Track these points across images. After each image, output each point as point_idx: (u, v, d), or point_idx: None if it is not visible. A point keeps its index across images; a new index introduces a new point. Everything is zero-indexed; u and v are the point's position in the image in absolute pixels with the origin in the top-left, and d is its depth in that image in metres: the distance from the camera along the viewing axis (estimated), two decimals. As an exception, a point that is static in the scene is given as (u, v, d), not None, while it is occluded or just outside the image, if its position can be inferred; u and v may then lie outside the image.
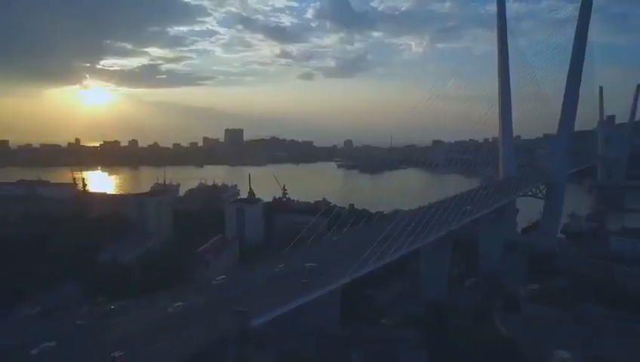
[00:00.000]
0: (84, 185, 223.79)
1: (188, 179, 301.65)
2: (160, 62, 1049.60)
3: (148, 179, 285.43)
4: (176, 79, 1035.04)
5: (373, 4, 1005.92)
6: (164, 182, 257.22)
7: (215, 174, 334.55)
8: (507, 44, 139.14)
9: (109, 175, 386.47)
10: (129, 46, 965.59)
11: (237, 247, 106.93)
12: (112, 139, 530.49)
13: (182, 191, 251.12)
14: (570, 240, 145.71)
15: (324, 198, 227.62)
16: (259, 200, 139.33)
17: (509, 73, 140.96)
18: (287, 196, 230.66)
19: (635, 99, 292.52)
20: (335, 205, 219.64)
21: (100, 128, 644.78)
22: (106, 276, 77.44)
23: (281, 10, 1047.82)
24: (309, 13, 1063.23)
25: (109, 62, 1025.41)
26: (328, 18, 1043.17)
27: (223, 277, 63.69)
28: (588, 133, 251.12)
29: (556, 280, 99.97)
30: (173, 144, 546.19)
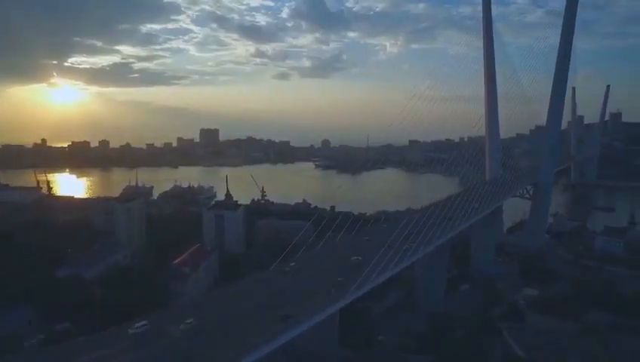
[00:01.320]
0: (50, 188, 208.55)
1: (162, 180, 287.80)
2: (132, 60, 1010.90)
3: (119, 181, 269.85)
4: (149, 78, 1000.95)
5: (349, 5, 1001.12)
6: (137, 184, 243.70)
7: (190, 175, 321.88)
8: (493, 45, 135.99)
9: (78, 177, 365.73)
10: (99, 43, 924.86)
11: (216, 259, 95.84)
12: (82, 140, 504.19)
13: (156, 194, 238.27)
14: (555, 240, 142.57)
15: (304, 200, 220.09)
16: (239, 205, 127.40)
17: (495, 74, 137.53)
18: (266, 198, 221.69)
19: (605, 101, 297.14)
20: (316, 206, 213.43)
21: (68, 128, 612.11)
22: (66, 296, 65.72)
23: (256, 10, 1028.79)
24: (285, 13, 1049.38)
25: (77, 60, 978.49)
26: (304, 18, 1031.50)
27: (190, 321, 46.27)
28: (563, 132, 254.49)
29: (555, 285, 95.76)
30: (147, 145, 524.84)
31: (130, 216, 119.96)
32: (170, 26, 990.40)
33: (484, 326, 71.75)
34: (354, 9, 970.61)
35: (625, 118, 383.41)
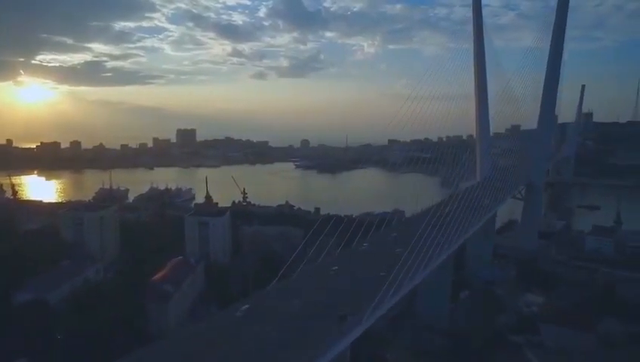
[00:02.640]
0: (15, 192, 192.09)
1: (138, 182, 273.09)
2: (105, 59, 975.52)
3: (92, 183, 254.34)
4: (122, 77, 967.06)
5: (326, 5, 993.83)
6: (111, 186, 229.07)
7: (167, 177, 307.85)
8: (484, 44, 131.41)
9: (47, 179, 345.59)
10: (69, 41, 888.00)
11: (202, 272, 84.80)
12: (51, 140, 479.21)
13: (131, 197, 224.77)
14: (545, 241, 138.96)
15: (287, 202, 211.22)
16: (224, 210, 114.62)
17: (485, 73, 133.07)
18: (247, 200, 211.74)
19: (581, 101, 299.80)
20: (300, 208, 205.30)
21: (37, 128, 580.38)
22: (25, 324, 55.12)
23: (232, 8, 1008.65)
24: (262, 12, 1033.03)
25: (46, 58, 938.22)
26: (281, 17, 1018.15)
27: None
28: (534, 131, 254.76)
29: (556, 290, 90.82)
30: (121, 145, 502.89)
31: (103, 225, 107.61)
32: (144, 24, 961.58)
33: (497, 340, 65.40)
34: (331, 9, 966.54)
35: (594, 118, 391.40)
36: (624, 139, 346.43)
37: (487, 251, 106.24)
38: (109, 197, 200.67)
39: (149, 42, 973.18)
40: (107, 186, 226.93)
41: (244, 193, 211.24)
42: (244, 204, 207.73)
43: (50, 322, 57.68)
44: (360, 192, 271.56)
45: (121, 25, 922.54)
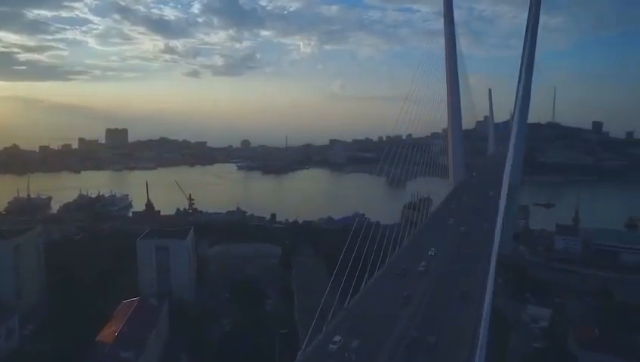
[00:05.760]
0: None
1: (62, 188, 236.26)
2: (16, 50, 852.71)
3: (5, 191, 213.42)
4: (39, 72, 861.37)
5: (262, 3, 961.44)
6: (29, 194, 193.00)
7: (98, 182, 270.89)
8: (456, 46, 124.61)
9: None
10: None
11: (166, 317, 61.08)
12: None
13: (55, 206, 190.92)
14: (514, 242, 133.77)
15: (238, 207, 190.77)
16: (187, 229, 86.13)
17: (457, 72, 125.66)
18: (194, 207, 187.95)
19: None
20: (252, 214, 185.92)
21: None
22: None
23: (164, 3, 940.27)
24: (196, 8, 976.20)
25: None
26: (216, 14, 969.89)
27: None
28: (473, 131, 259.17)
29: (555, 300, 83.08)
30: (40, 147, 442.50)
31: (18, 258, 74.18)
32: (63, 13, 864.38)
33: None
34: (267, 8, 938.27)
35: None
36: (547, 140, 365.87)
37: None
38: (26, 208, 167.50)
39: (69, 34, 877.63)
40: (24, 194, 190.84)
41: (190, 199, 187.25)
42: (191, 211, 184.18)
43: None
44: (311, 194, 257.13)
45: (34, 13, 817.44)
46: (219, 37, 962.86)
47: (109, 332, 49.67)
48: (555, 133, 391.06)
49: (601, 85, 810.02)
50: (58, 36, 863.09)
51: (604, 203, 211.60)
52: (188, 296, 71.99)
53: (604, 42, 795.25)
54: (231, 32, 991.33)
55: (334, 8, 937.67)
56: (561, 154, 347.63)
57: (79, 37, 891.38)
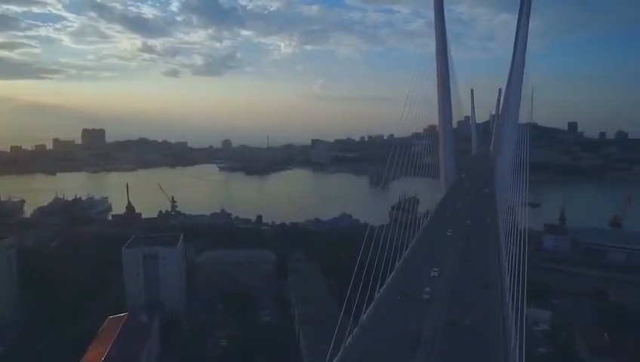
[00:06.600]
0: None
1: (36, 191, 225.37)
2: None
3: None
4: (9, 69, 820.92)
5: (242, 2, 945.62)
6: None
7: (74, 184, 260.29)
8: (447, 45, 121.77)
9: None
10: None
11: (157, 332, 55.48)
12: None
13: (29, 210, 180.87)
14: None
15: (222, 209, 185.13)
16: (177, 235, 79.87)
17: (448, 72, 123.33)
18: (177, 209, 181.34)
19: (498, 103, 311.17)
20: (237, 216, 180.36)
21: None
22: None
23: (141, 0, 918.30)
24: (174, 6, 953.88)
25: None
26: (195, 12, 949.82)
27: None
28: (455, 131, 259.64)
29: (552, 301, 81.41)
30: (12, 147, 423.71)
31: None
32: (35, 9, 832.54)
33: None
34: (248, 7, 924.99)
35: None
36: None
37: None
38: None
39: (42, 31, 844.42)
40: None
41: (173, 201, 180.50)
42: (173, 213, 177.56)
43: None
44: (296, 195, 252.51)
45: (2, 7, 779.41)
46: (198, 36, 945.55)
47: (94, 355, 43.01)
48: (534, 134, 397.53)
49: (574, 86, 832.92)
50: (30, 33, 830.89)
51: (586, 202, 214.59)
52: (178, 308, 66.62)
53: (576, 45, 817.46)
54: (210, 31, 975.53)
55: (315, 8, 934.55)
56: (541, 153, 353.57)
57: (53, 34, 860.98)
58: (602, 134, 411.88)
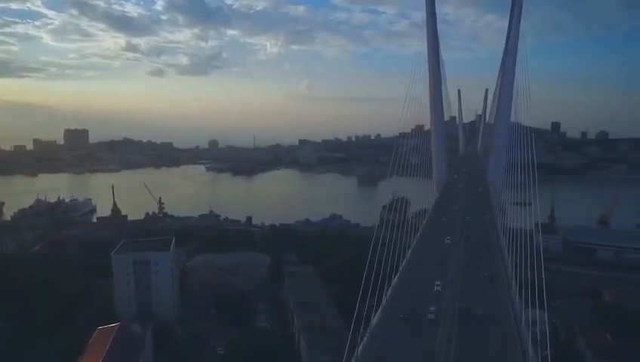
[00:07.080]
0: None
1: (16, 193, 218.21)
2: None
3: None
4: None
5: (228, 2, 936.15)
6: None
7: (57, 185, 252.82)
8: (439, 45, 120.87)
9: None
10: None
11: (151, 344, 51.35)
12: None
13: (9, 212, 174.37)
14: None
15: (211, 211, 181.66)
16: (169, 239, 75.75)
17: (440, 72, 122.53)
18: (164, 211, 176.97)
19: (485, 103, 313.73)
20: (227, 218, 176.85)
21: None
22: None
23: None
24: (159, 5, 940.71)
25: None
26: (180, 12, 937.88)
27: None
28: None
29: (552, 303, 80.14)
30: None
31: None
32: (13, 5, 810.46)
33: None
34: (234, 6, 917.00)
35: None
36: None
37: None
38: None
39: (20, 28, 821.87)
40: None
41: (160, 203, 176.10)
42: (161, 215, 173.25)
43: None
44: (284, 196, 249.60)
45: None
46: (184, 35, 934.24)
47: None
48: (519, 133, 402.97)
49: (556, 87, 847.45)
50: (7, 30, 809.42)
51: (572, 200, 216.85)
52: (172, 315, 63.15)
53: (558, 46, 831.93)
54: (196, 30, 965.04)
55: (301, 8, 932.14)
56: (526, 153, 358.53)
57: (32, 32, 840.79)
58: (584, 134, 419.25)
